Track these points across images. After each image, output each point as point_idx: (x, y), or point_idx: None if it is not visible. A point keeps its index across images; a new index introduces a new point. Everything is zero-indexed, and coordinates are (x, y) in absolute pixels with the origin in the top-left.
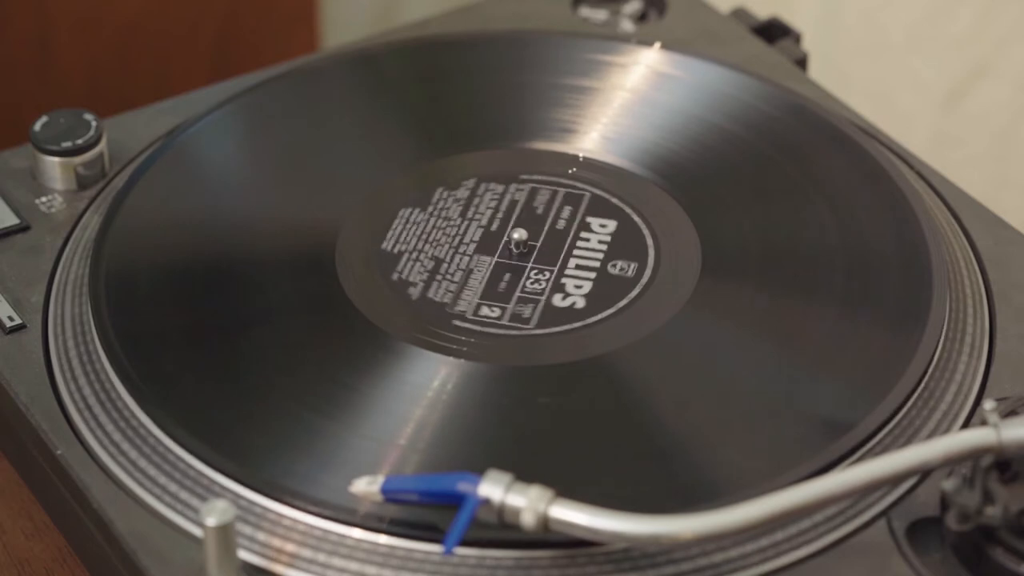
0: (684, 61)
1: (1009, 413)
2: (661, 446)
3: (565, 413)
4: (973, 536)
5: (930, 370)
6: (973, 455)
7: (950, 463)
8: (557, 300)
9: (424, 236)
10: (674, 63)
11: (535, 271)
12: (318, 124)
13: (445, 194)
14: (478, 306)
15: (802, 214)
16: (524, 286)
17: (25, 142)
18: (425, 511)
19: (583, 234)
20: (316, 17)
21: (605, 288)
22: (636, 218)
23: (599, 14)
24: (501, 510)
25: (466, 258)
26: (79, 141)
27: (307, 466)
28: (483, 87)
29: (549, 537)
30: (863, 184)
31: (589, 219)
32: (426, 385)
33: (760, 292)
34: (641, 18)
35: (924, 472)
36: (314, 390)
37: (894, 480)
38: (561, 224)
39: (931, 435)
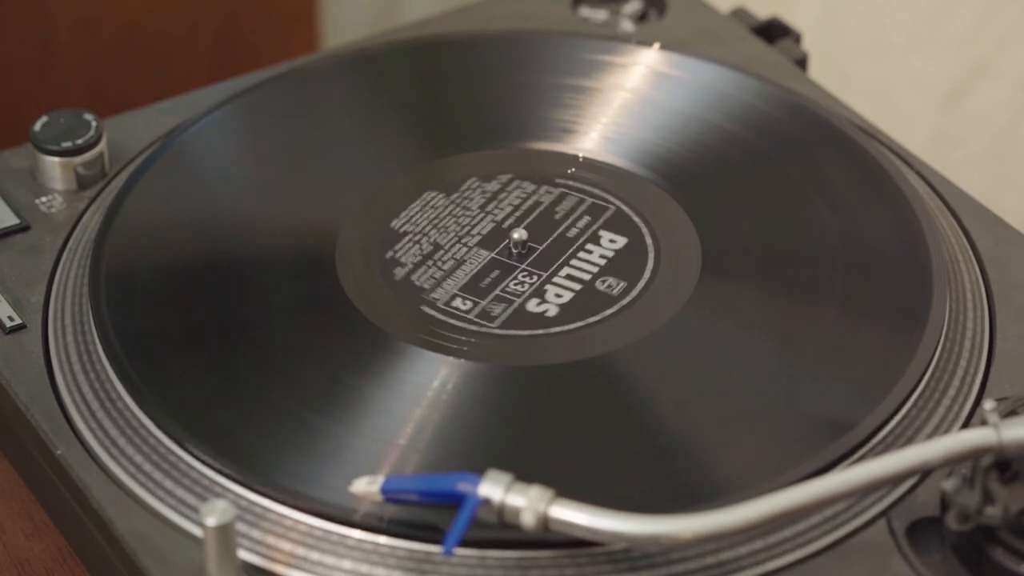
0: (684, 61)
1: (1009, 413)
2: (661, 446)
3: (565, 413)
4: (973, 536)
5: (930, 370)
6: (973, 455)
7: (950, 463)
8: (531, 305)
9: (435, 221)
10: (674, 63)
11: (524, 273)
12: (318, 124)
13: (475, 184)
14: (453, 297)
15: (802, 214)
16: (507, 286)
17: (25, 142)
18: (425, 511)
19: (589, 246)
20: (316, 17)
21: (584, 301)
22: (644, 230)
23: (599, 14)
24: (501, 510)
25: (464, 249)
26: (79, 141)
27: (307, 466)
28: (483, 87)
29: (549, 537)
30: (863, 184)
31: (602, 232)
32: (426, 385)
33: (760, 292)
34: (641, 18)
35: (924, 472)
36: (314, 390)
37: (894, 480)
38: (572, 232)
39: (931, 435)
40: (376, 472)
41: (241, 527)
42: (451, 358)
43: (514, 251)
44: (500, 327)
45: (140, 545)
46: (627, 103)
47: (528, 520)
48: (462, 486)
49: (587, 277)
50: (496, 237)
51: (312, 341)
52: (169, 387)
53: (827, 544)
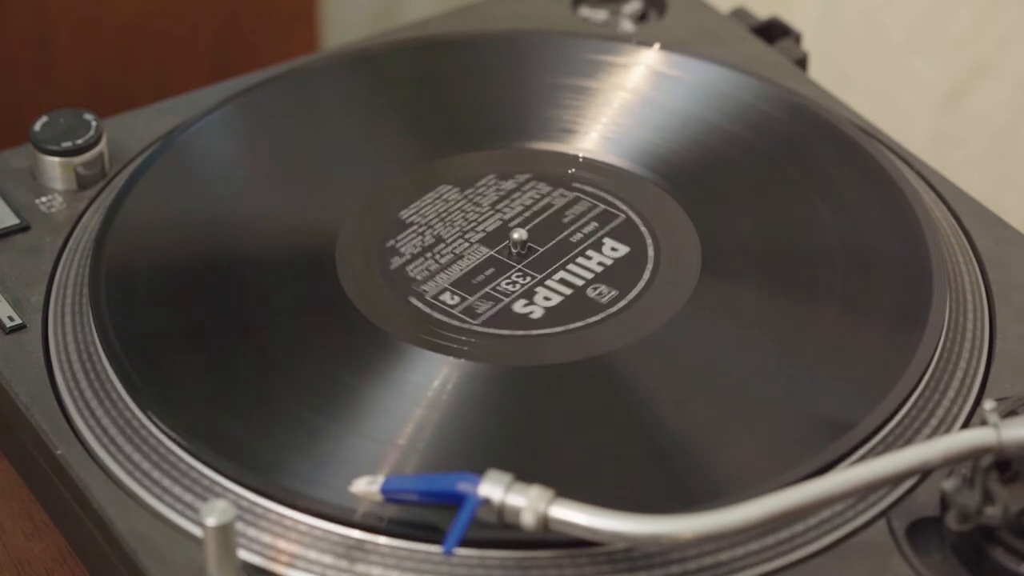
0: (684, 61)
1: (1009, 413)
2: (661, 446)
3: (565, 413)
4: (973, 536)
5: (930, 370)
6: (973, 455)
7: (950, 463)
8: (518, 306)
9: (443, 215)
10: (674, 63)
11: (518, 274)
12: (318, 124)
13: (492, 181)
14: (443, 291)
15: (802, 214)
16: (498, 285)
17: (25, 142)
18: (425, 511)
19: (589, 252)
20: (316, 17)
21: (571, 307)
22: (648, 240)
23: (599, 14)
24: (501, 510)
25: (465, 244)
26: (79, 141)
27: (307, 466)
28: (483, 87)
29: (549, 537)
30: (863, 184)
31: (606, 240)
32: (426, 385)
33: (760, 292)
34: (641, 18)
35: (924, 472)
36: (314, 390)
37: (894, 480)
38: (576, 237)
39: (931, 435)
40: (376, 472)
41: (241, 527)
42: (451, 358)
43: (513, 251)
44: (482, 325)
45: (140, 545)
46: (627, 103)
47: (528, 520)
48: (462, 486)
49: (580, 283)
50: (499, 235)
51: (312, 341)
52: (169, 387)
53: (827, 544)
